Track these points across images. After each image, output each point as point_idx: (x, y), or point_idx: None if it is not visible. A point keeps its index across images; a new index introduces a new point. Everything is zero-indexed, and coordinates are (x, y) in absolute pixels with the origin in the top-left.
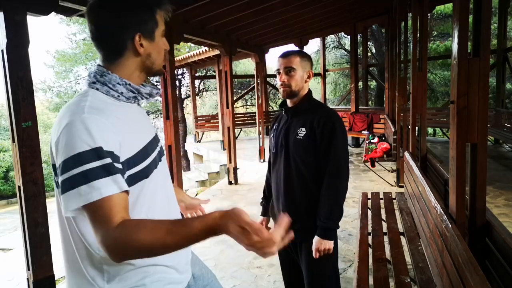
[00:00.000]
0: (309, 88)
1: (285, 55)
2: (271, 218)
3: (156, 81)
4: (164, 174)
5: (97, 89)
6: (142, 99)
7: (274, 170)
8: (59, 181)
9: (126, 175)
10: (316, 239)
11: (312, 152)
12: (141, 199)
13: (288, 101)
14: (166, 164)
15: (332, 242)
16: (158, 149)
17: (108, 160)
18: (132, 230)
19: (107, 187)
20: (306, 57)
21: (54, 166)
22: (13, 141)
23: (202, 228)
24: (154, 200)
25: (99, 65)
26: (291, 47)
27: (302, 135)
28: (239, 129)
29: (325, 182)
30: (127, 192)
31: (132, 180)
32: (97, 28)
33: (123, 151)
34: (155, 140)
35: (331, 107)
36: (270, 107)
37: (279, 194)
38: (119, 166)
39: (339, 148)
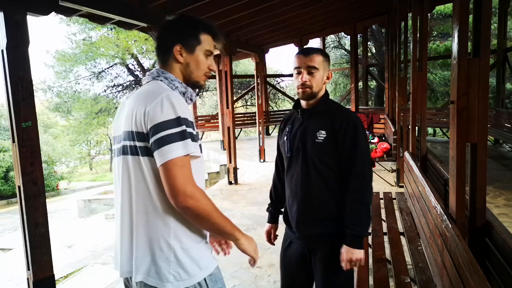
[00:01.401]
0: (325, 89)
1: (307, 53)
2: (285, 225)
3: None
4: (203, 159)
5: (161, 80)
6: (186, 99)
7: (289, 175)
8: (157, 138)
9: None
10: (345, 249)
11: (333, 155)
12: (197, 172)
13: (302, 102)
14: None
15: (363, 251)
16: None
17: (190, 130)
18: (205, 196)
19: (195, 148)
20: (327, 56)
21: (132, 132)
22: (13, 141)
23: (233, 228)
24: (201, 175)
25: (158, 68)
26: (291, 47)
27: (323, 138)
28: (239, 129)
29: (351, 186)
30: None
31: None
32: (157, 39)
33: (193, 127)
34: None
35: None
36: (270, 107)
37: (294, 199)
38: (196, 133)
39: (363, 150)
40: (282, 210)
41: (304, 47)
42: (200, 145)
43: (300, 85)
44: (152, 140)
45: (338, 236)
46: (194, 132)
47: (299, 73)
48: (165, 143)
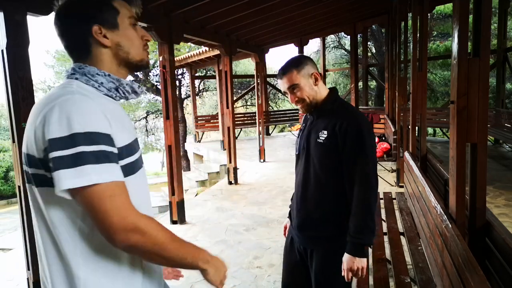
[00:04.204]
0: (332, 88)
1: (282, 74)
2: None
3: (157, 81)
4: (145, 178)
5: (77, 78)
6: (124, 94)
7: (296, 173)
8: (53, 157)
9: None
10: (347, 257)
11: (332, 157)
12: (133, 191)
13: None
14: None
15: (366, 260)
16: (140, 152)
17: (103, 147)
18: (156, 225)
19: (112, 173)
20: (302, 63)
21: (26, 155)
22: (13, 141)
23: (195, 257)
24: (141, 201)
25: (75, 64)
26: (291, 47)
27: (323, 138)
28: (239, 129)
29: (355, 192)
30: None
31: (123, 172)
32: (61, 34)
33: (115, 138)
34: (137, 142)
35: None
36: (270, 107)
37: (296, 198)
38: (116, 151)
39: (368, 155)
40: None
41: (281, 66)
42: (137, 160)
43: (295, 104)
44: (49, 163)
45: (335, 239)
46: (110, 149)
47: (286, 94)
48: (57, 167)
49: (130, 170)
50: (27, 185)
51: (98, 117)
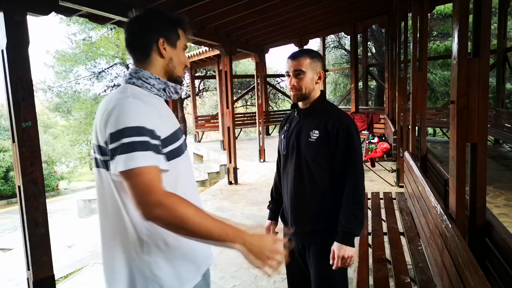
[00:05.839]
0: (321, 90)
1: (294, 57)
2: (280, 222)
3: None
4: (189, 159)
5: (133, 83)
6: (170, 94)
7: (285, 173)
8: (109, 148)
9: (164, 151)
10: (337, 245)
11: (325, 155)
12: (179, 175)
13: (299, 102)
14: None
15: (354, 249)
16: (183, 138)
17: (146, 138)
18: (179, 201)
19: (148, 159)
20: (316, 57)
21: (98, 146)
22: (13, 141)
23: (223, 234)
24: (188, 178)
25: (133, 67)
26: (291, 47)
27: (315, 137)
28: (239, 129)
29: (346, 186)
30: (160, 169)
31: (169, 156)
32: (130, 35)
33: (160, 131)
34: (180, 130)
35: None
36: (270, 107)
37: (288, 196)
38: (157, 143)
39: (357, 152)
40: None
41: (294, 51)
42: (181, 145)
43: (290, 89)
44: (109, 151)
45: (330, 233)
46: (153, 141)
47: (289, 76)
48: (114, 154)
49: (176, 153)
50: (95, 169)
51: (145, 115)
